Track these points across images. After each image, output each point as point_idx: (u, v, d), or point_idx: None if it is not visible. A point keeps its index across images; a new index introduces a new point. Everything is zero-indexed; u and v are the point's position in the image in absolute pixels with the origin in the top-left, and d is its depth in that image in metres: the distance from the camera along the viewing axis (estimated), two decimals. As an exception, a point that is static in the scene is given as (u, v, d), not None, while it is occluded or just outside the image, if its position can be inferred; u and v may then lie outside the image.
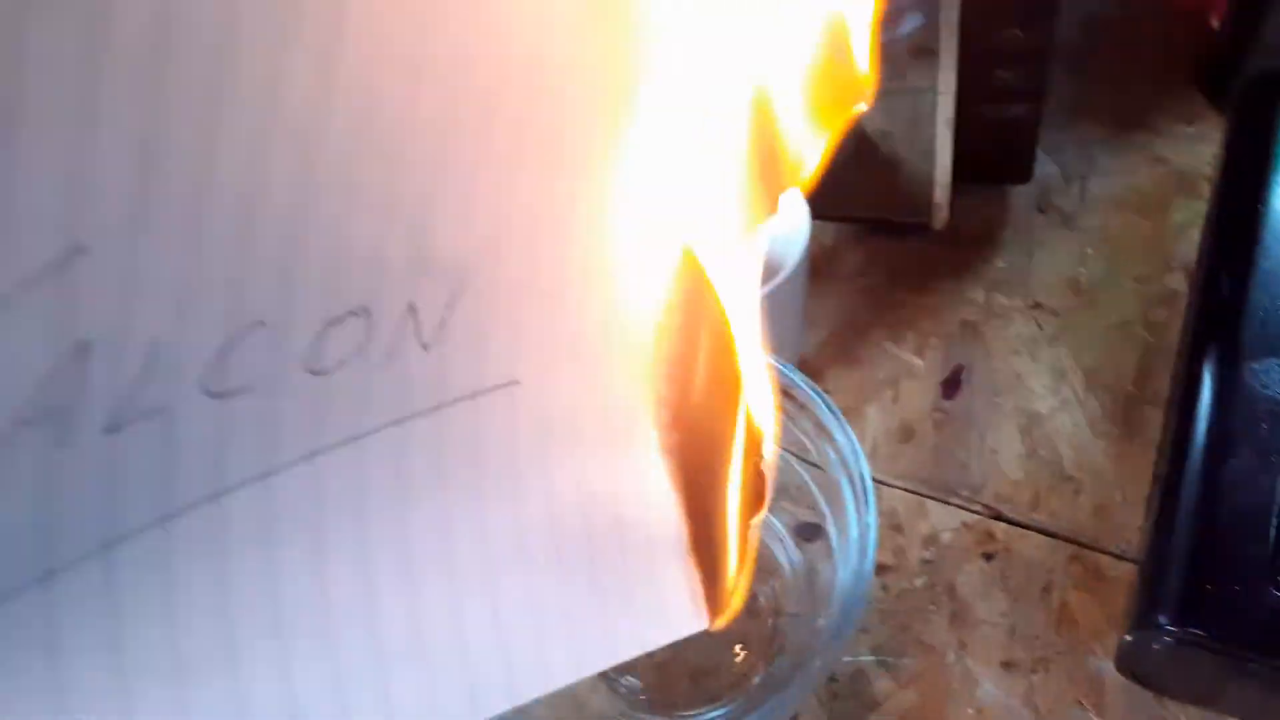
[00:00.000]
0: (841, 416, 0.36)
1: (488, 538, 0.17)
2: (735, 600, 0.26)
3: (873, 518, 0.34)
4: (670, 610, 0.20)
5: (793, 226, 0.41)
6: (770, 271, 0.45)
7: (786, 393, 0.38)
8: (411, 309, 0.13)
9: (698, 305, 0.22)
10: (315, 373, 0.13)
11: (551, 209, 0.14)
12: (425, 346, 0.14)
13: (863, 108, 0.21)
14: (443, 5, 0.12)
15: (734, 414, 0.24)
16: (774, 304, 0.40)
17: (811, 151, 0.20)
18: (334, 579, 0.14)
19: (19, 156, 0.10)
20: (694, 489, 0.24)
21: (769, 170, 0.19)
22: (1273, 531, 0.34)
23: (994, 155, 0.47)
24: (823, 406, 0.37)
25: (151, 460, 0.12)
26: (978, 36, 0.42)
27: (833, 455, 0.37)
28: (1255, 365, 0.38)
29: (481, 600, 0.16)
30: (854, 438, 0.36)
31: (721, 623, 0.27)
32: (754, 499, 0.26)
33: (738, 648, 0.40)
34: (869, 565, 0.33)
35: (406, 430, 0.15)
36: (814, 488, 0.40)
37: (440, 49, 0.12)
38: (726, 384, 0.23)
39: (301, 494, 0.14)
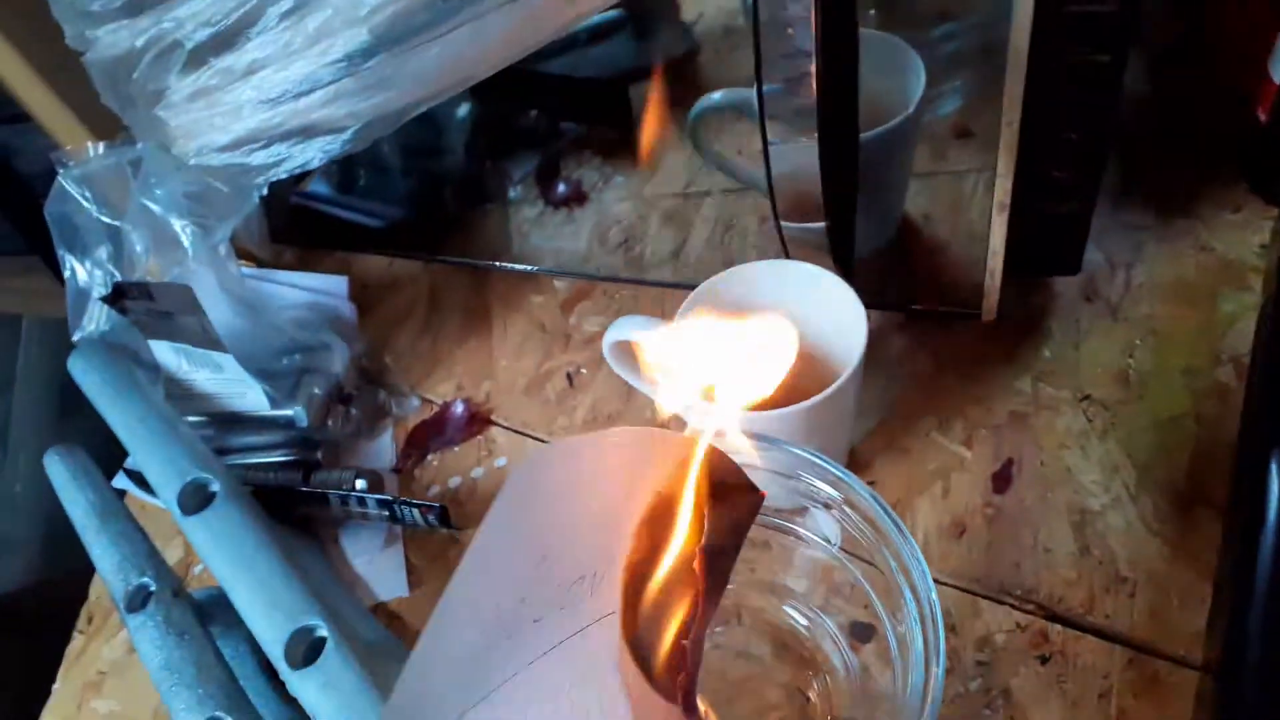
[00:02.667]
0: (899, 521, 0.36)
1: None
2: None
3: (940, 630, 0.33)
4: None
5: (851, 327, 0.42)
6: (830, 372, 0.45)
7: (834, 488, 0.38)
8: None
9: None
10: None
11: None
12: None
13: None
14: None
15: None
16: (832, 405, 0.41)
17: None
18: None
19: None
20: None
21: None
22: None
23: (1044, 248, 0.47)
24: (879, 510, 0.37)
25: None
26: (1034, 137, 0.42)
27: (890, 559, 0.37)
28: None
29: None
30: (914, 544, 0.35)
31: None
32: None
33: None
34: (939, 680, 0.33)
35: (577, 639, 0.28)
36: (868, 587, 0.40)
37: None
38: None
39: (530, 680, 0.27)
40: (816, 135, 0.40)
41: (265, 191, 0.49)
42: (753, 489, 0.31)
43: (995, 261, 0.46)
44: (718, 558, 0.30)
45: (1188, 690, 0.38)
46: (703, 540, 0.29)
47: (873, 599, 0.40)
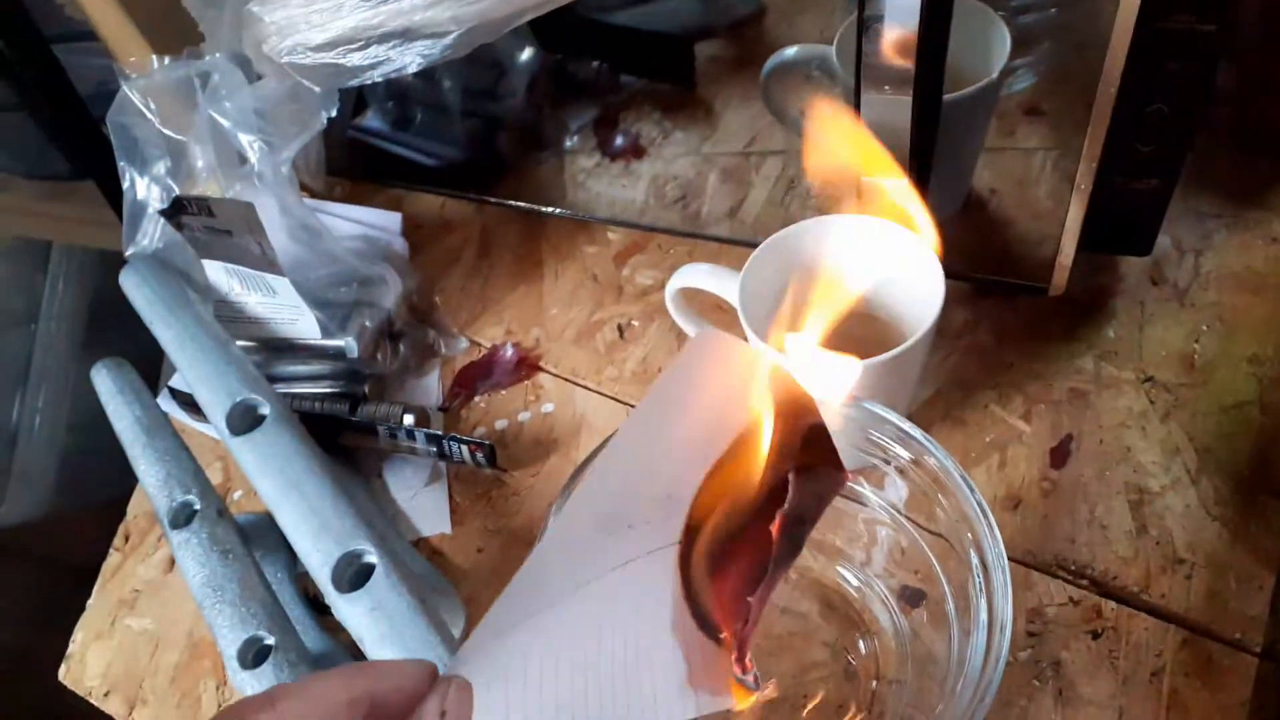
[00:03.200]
0: (973, 486, 0.36)
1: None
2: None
3: (1008, 600, 0.33)
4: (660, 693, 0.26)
5: (926, 287, 0.41)
6: (897, 332, 0.45)
7: (908, 447, 0.38)
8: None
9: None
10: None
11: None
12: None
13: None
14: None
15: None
16: (900, 364, 0.40)
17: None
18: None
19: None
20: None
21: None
22: None
23: (1119, 226, 0.46)
24: (955, 474, 0.36)
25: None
26: (1121, 109, 0.41)
27: (959, 525, 0.36)
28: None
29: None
30: (987, 510, 0.35)
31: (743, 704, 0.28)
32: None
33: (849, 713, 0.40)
34: (1003, 650, 0.32)
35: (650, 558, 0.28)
36: (928, 551, 0.40)
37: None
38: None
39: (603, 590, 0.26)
40: (911, 92, 0.40)
41: (334, 112, 0.48)
42: (841, 468, 0.30)
43: (1070, 237, 0.45)
44: (796, 525, 0.29)
45: (1243, 674, 0.38)
46: (786, 506, 0.29)
47: (933, 563, 0.39)
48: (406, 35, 0.39)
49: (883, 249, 0.43)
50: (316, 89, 0.44)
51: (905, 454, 0.38)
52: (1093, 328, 0.49)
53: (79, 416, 1.05)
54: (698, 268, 0.45)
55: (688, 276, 0.45)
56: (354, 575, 0.43)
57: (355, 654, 0.45)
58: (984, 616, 0.34)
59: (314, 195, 0.63)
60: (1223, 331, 0.48)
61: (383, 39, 0.40)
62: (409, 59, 0.40)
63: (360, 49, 0.41)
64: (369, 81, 0.42)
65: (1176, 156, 0.44)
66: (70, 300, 1.13)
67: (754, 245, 0.44)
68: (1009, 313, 0.50)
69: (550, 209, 0.62)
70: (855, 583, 0.43)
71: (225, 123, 0.48)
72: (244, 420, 0.49)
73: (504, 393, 0.55)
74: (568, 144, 0.66)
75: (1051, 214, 0.50)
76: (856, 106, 0.42)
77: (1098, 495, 0.44)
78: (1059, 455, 0.45)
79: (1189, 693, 0.38)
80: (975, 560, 0.35)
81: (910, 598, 0.42)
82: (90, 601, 0.54)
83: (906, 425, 0.37)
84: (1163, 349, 0.48)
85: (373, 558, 0.44)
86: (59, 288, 1.15)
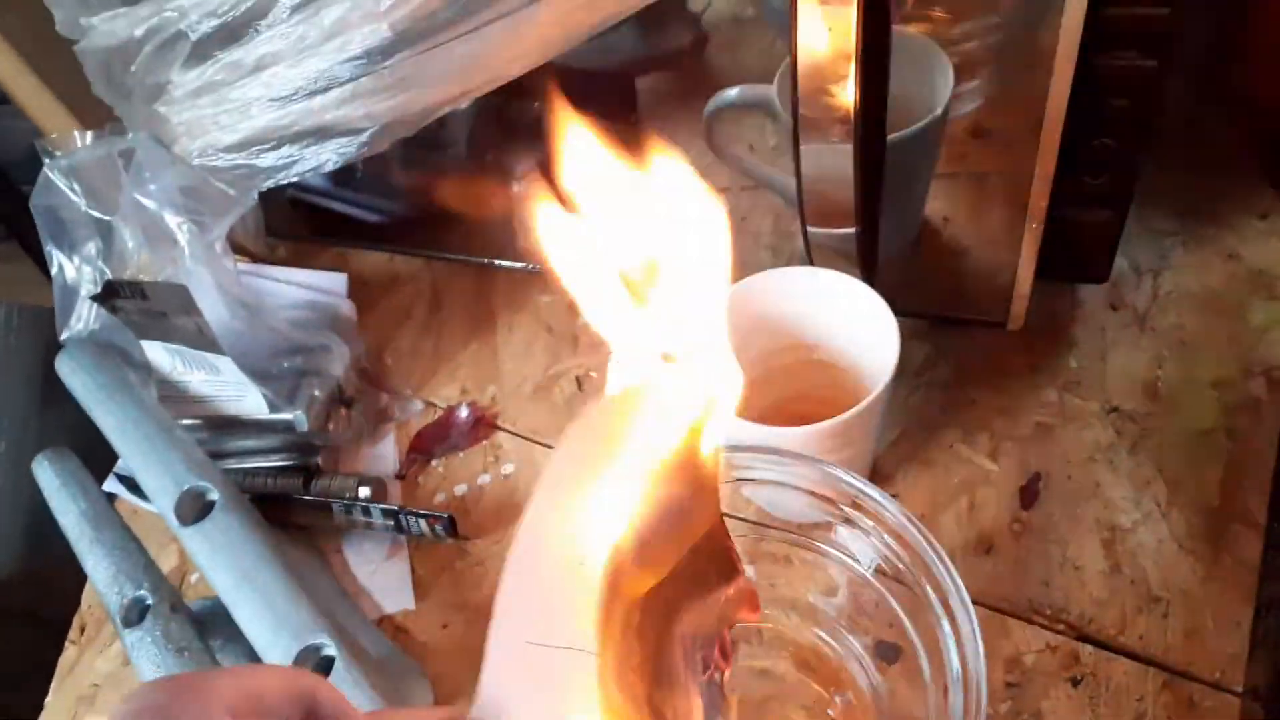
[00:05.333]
0: (934, 543, 0.35)
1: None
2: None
3: (980, 654, 0.32)
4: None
5: (881, 340, 0.40)
6: (855, 384, 0.44)
7: (858, 505, 0.37)
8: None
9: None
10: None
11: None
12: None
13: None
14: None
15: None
16: (860, 421, 0.39)
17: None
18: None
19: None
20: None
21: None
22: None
23: (1072, 255, 0.46)
24: (913, 531, 0.35)
25: None
26: (1069, 143, 0.41)
27: (923, 580, 0.35)
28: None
29: None
30: (950, 565, 0.34)
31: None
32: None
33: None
34: (982, 706, 0.32)
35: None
36: (896, 606, 0.39)
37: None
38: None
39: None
40: (852, 139, 0.39)
41: (263, 188, 0.47)
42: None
43: (1026, 271, 0.45)
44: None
45: (1225, 714, 0.38)
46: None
47: (902, 619, 0.38)
48: (320, 134, 0.38)
49: (836, 301, 0.42)
50: (230, 191, 0.43)
51: (864, 512, 0.37)
52: (1054, 358, 0.49)
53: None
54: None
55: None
56: (314, 670, 0.42)
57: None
58: (958, 668, 0.33)
59: (254, 258, 0.61)
60: (1185, 356, 0.47)
61: (296, 138, 0.38)
62: (325, 157, 0.39)
63: (273, 149, 0.39)
64: (284, 182, 0.40)
65: (1125, 188, 0.43)
66: (26, 357, 1.10)
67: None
68: (969, 347, 0.50)
69: (498, 261, 0.61)
70: (831, 641, 0.42)
71: (150, 204, 0.46)
72: (193, 508, 0.47)
73: (462, 455, 0.54)
74: (514, 189, 0.65)
75: (1005, 241, 0.49)
76: (795, 153, 0.41)
77: (1069, 535, 0.43)
78: (1028, 495, 0.45)
79: (1173, 739, 0.38)
80: (941, 611, 0.34)
81: (885, 654, 0.41)
82: (49, 699, 0.52)
83: (860, 483, 0.36)
84: (1126, 377, 0.47)
85: (331, 650, 0.42)
86: (13, 344, 1.12)
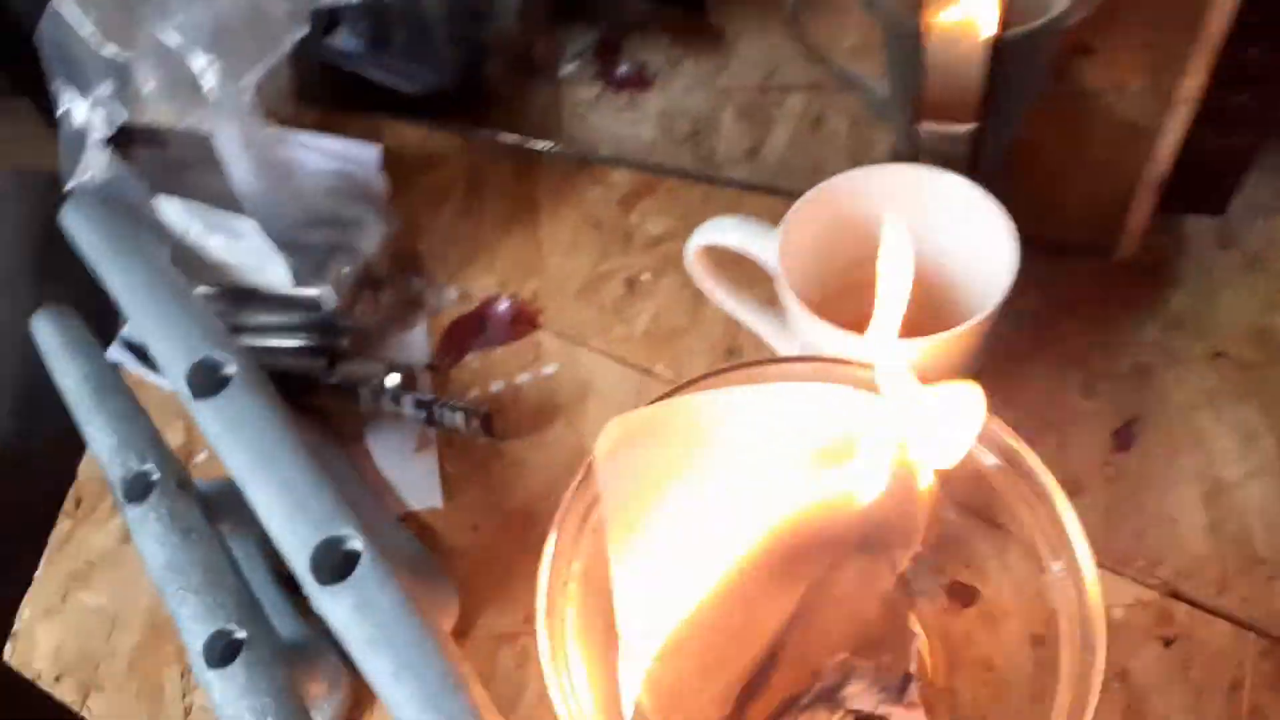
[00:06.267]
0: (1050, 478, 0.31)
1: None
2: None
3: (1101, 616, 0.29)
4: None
5: (994, 250, 0.36)
6: (956, 299, 0.40)
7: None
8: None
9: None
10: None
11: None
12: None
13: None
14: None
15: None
16: (967, 338, 0.35)
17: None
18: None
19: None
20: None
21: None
22: None
23: (1196, 181, 0.41)
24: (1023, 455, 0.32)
25: None
26: (1218, 52, 0.36)
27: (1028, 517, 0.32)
28: None
29: None
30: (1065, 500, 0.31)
31: None
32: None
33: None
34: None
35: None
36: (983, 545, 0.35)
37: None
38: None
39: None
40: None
41: (305, 30, 0.42)
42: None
43: (1146, 193, 0.41)
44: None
45: (1332, 690, 0.35)
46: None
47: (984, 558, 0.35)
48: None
49: (944, 205, 0.38)
50: (283, 4, 0.38)
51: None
52: (1155, 295, 0.45)
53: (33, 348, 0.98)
54: (723, 222, 0.39)
55: (712, 233, 0.39)
56: (336, 564, 0.38)
57: (337, 641, 0.40)
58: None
59: (283, 122, 0.56)
60: (1301, 302, 0.43)
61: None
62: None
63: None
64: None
65: (1271, 108, 0.39)
66: (18, 226, 1.05)
67: (777, 191, 0.39)
68: (1065, 277, 0.45)
69: (546, 145, 0.56)
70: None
71: (175, 41, 0.41)
72: (206, 382, 0.43)
73: (499, 351, 0.50)
74: (564, 71, 0.60)
75: (1111, 166, 0.45)
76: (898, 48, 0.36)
77: (1167, 484, 0.40)
78: (1123, 438, 0.41)
79: (1274, 709, 0.35)
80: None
81: (961, 595, 0.38)
82: (38, 574, 0.49)
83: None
84: (1235, 322, 0.43)
85: (357, 544, 0.38)
86: (6, 212, 1.07)
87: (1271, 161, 0.47)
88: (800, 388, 0.31)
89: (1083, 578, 0.29)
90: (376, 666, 0.34)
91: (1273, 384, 0.41)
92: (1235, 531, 0.38)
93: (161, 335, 0.44)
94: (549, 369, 0.48)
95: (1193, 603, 0.37)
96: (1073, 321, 0.44)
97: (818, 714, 0.35)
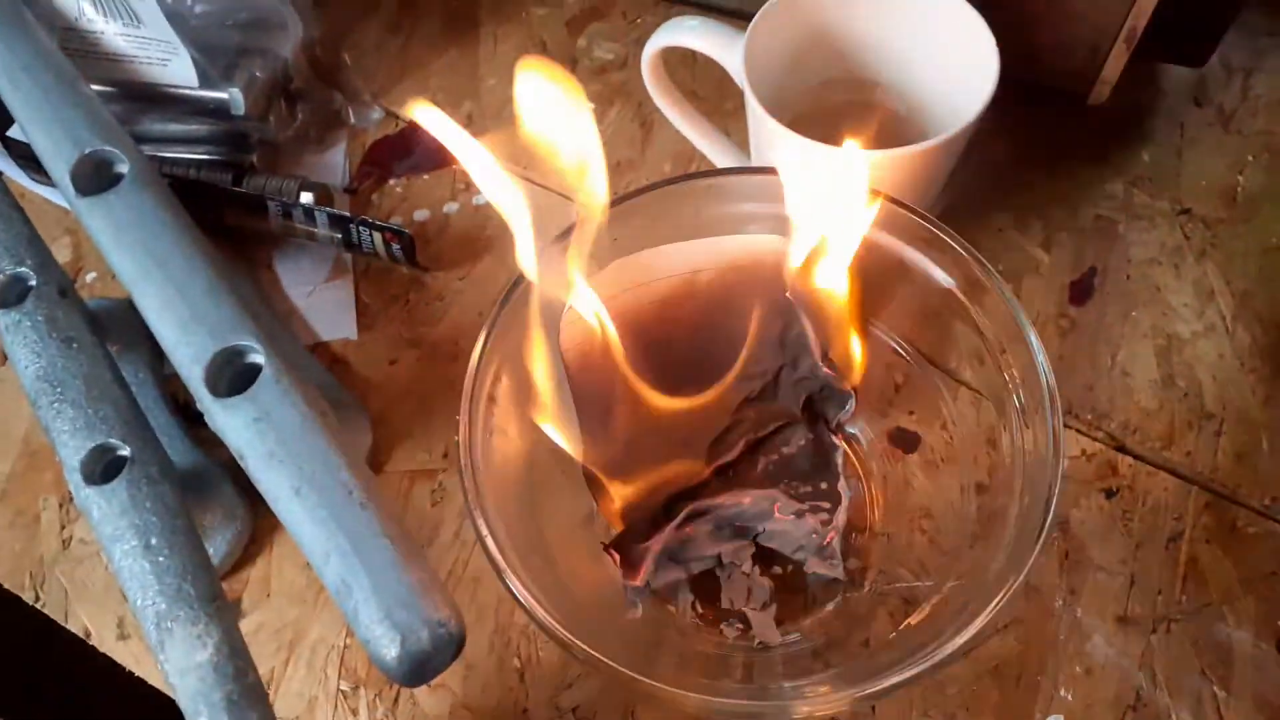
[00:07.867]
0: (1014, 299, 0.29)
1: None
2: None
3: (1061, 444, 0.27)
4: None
5: (973, 64, 0.33)
6: (930, 117, 0.37)
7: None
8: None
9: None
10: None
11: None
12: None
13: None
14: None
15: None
16: (937, 157, 0.33)
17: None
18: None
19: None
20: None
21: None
22: None
23: (1179, 30, 0.39)
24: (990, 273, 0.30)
25: None
26: None
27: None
28: None
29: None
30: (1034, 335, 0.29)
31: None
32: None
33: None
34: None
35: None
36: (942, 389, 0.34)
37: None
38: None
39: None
40: None
41: None
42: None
43: (1127, 36, 0.38)
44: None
45: (1270, 545, 0.34)
46: None
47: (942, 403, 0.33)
48: None
49: (918, 16, 0.35)
50: None
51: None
52: (1125, 149, 0.43)
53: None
54: (686, 22, 0.36)
55: (675, 32, 0.36)
56: (234, 377, 0.35)
57: (235, 471, 0.37)
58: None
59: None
60: (1270, 164, 0.42)
61: None
62: None
63: None
64: None
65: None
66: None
67: (745, 17, 0.36)
68: (1032, 124, 0.43)
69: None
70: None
71: None
72: (95, 178, 0.38)
73: (426, 177, 0.46)
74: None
75: (1093, 6, 0.42)
76: None
77: (1121, 338, 0.38)
78: (1080, 290, 0.39)
79: (1209, 561, 0.34)
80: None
81: (902, 441, 0.36)
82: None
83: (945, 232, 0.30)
84: (1202, 179, 0.42)
85: (258, 356, 0.35)
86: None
87: (1251, 22, 0.45)
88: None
89: (1045, 408, 0.27)
90: (275, 481, 0.31)
91: (1233, 243, 0.40)
92: (1186, 386, 0.37)
93: (44, 125, 0.39)
94: (480, 199, 0.45)
95: (1138, 456, 0.36)
96: (1039, 172, 0.42)
97: (730, 543, 0.34)
